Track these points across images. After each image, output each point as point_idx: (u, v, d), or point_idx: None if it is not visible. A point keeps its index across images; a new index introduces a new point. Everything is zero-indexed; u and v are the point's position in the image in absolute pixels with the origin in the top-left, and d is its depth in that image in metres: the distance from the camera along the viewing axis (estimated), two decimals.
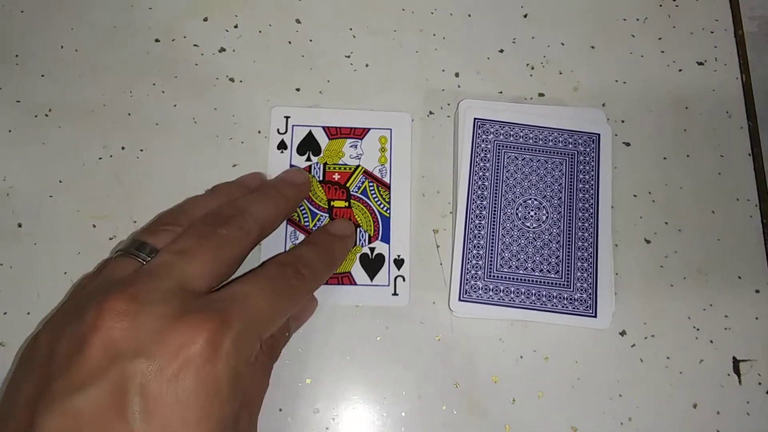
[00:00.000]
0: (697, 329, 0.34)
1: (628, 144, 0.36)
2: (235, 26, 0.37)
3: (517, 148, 0.33)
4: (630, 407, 0.33)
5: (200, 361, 0.23)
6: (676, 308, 0.34)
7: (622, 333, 0.34)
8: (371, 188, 0.35)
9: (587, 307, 0.31)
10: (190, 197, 0.32)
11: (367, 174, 0.36)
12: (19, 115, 0.35)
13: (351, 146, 0.36)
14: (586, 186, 0.33)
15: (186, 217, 0.29)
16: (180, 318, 0.23)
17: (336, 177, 0.35)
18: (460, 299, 0.31)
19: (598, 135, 0.34)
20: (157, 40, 0.37)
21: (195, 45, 0.37)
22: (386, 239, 0.35)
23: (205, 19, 0.37)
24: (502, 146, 0.33)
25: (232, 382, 0.23)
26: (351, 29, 0.38)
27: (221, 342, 0.23)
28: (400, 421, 0.32)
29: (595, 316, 0.31)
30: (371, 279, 0.34)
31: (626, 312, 0.33)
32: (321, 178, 0.35)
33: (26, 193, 0.34)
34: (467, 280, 0.31)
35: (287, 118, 0.36)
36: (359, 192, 0.35)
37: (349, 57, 0.37)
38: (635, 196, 0.35)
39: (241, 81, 0.36)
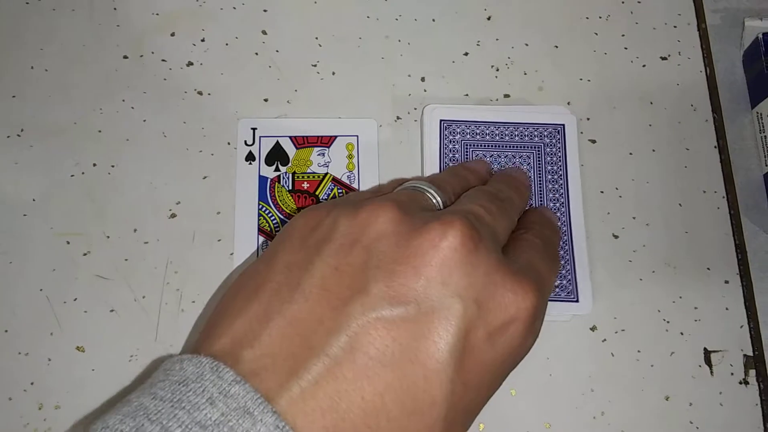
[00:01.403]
0: (668, 322, 0.34)
1: (594, 141, 0.37)
2: (202, 40, 0.38)
3: (485, 146, 0.34)
4: (602, 401, 0.33)
5: (521, 329, 0.23)
6: (646, 302, 0.34)
7: (593, 328, 0.34)
8: (340, 195, 0.36)
9: (569, 292, 0.32)
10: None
11: (336, 181, 0.36)
12: None
13: (318, 154, 0.36)
14: (555, 177, 0.34)
15: (449, 187, 0.29)
16: (508, 275, 0.23)
17: (305, 186, 0.36)
18: None
19: (563, 125, 0.34)
20: (125, 57, 0.37)
21: (163, 60, 0.37)
22: None
23: (172, 34, 0.38)
24: (470, 145, 0.34)
25: (521, 357, 0.24)
26: (317, 38, 0.38)
27: (538, 314, 0.23)
28: None
29: (578, 301, 0.32)
30: None
31: (596, 307, 0.34)
32: (290, 188, 0.36)
33: (0, 212, 0.35)
34: None
35: (254, 129, 0.37)
36: (329, 199, 0.36)
37: (315, 66, 0.38)
38: (602, 192, 0.36)
39: (209, 94, 0.37)
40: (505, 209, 0.27)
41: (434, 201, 0.27)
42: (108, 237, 0.34)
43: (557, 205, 0.33)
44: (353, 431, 0.20)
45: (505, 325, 0.22)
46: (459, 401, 0.21)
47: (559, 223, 0.33)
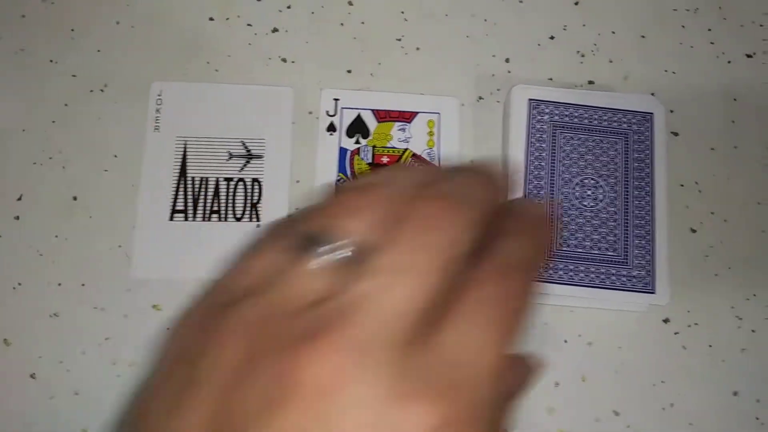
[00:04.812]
0: (740, 319, 0.34)
1: (676, 134, 0.36)
2: (288, 7, 0.38)
3: (573, 128, 0.34)
4: (672, 393, 0.33)
5: None
6: (720, 297, 0.34)
7: (666, 320, 0.34)
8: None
9: (645, 284, 0.32)
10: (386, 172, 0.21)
11: (416, 157, 0.36)
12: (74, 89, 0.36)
13: (399, 129, 0.36)
14: (642, 165, 0.33)
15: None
16: (394, 400, 0.16)
17: (385, 160, 0.36)
18: None
19: (651, 114, 0.34)
20: (211, 19, 0.37)
21: (248, 24, 0.37)
22: None
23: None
24: (558, 126, 0.34)
25: None
26: (403, 12, 0.38)
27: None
28: None
29: (654, 292, 0.32)
30: None
31: (670, 300, 0.34)
32: (370, 161, 0.36)
33: (84, 166, 0.35)
34: None
35: (336, 100, 0.36)
36: None
37: (400, 40, 0.37)
38: (682, 185, 0.36)
39: (293, 61, 0.37)
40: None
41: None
42: None
43: (641, 193, 0.33)
44: None
45: None
46: None
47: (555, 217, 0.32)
